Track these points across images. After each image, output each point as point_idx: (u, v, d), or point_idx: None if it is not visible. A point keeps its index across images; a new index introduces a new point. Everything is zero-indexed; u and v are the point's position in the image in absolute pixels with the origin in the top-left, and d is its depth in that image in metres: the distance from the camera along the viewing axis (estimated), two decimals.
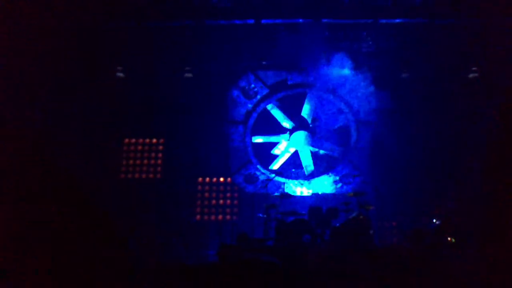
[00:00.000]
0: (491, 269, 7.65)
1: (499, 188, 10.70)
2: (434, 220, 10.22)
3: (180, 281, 8.17)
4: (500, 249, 8.19)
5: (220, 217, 12.73)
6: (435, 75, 12.32)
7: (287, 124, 13.13)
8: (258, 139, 13.27)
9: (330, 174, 13.05)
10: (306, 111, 13.06)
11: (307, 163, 13.12)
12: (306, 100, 13.04)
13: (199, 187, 12.87)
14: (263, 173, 12.97)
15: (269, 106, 13.18)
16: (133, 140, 13.07)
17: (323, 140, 13.09)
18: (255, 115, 13.19)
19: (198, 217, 12.67)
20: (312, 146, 13.06)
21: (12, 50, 10.48)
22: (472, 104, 11.96)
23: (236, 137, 13.18)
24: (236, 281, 8.35)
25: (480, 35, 11.24)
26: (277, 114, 13.18)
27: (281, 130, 13.19)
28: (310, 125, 13.07)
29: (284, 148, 13.14)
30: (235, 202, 12.88)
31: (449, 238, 9.68)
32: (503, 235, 8.85)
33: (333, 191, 12.87)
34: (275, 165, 13.21)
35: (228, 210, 12.80)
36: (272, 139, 13.28)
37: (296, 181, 13.01)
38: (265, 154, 13.29)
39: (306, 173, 13.08)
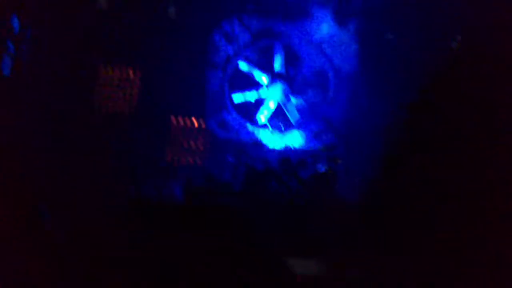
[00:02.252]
0: None
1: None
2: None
3: (145, 219, 8.33)
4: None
5: (190, 159, 12.76)
6: (418, 40, 12.20)
7: (262, 78, 12.90)
8: (238, 97, 13.05)
9: (303, 130, 13.02)
10: (287, 61, 12.88)
11: (292, 112, 12.97)
12: (288, 50, 12.84)
13: (172, 127, 12.78)
14: (237, 121, 12.90)
15: (241, 64, 12.93)
16: (110, 70, 12.66)
17: (299, 93, 12.98)
18: (235, 61, 12.99)
19: (168, 158, 12.67)
20: (293, 96, 12.99)
21: None
22: (452, 73, 12.03)
23: (214, 81, 13.01)
24: (201, 222, 8.59)
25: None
26: (249, 69, 12.92)
27: (258, 84, 13.00)
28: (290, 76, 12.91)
29: (264, 98, 13.01)
30: (207, 146, 12.86)
31: None
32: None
33: (305, 147, 12.87)
34: (261, 117, 13.01)
35: (198, 154, 12.79)
36: (251, 94, 13.05)
37: (269, 132, 13.01)
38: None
39: (293, 122, 12.99)
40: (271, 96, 12.85)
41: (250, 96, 13.02)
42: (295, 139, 12.97)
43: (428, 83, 11.94)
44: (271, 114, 12.97)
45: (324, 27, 12.23)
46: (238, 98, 13.02)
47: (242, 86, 13.06)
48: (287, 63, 12.90)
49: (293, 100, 12.94)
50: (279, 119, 13.08)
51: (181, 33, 12.48)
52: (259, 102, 13.03)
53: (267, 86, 12.84)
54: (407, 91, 12.09)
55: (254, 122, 12.93)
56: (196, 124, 12.89)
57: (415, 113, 12.09)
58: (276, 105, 12.96)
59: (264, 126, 13.07)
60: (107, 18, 12.13)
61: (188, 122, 12.89)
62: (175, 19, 12.45)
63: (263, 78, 12.88)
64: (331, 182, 10.08)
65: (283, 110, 12.98)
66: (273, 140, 12.89)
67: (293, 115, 12.99)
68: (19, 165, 9.01)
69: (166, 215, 8.64)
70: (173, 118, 12.82)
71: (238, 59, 12.95)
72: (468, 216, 8.34)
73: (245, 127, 12.68)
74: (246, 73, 12.95)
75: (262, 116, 13.01)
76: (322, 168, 10.48)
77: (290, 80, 12.90)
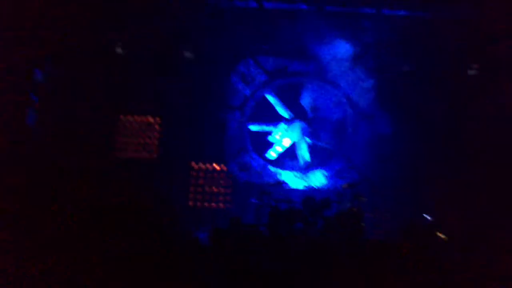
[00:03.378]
0: (481, 270, 7.74)
1: (496, 187, 10.81)
2: (427, 216, 10.29)
3: (172, 262, 8.23)
4: (493, 250, 8.28)
5: (213, 204, 12.68)
6: (435, 70, 12.23)
7: (284, 113, 13.05)
8: (255, 127, 13.18)
9: (325, 168, 12.96)
10: (304, 100, 12.99)
11: (304, 155, 13.08)
12: (305, 89, 12.96)
13: (194, 173, 12.77)
14: (258, 162, 12.86)
15: (267, 94, 13.08)
16: (129, 117, 12.91)
17: (320, 132, 12.99)
18: (252, 102, 13.12)
19: (191, 203, 12.61)
20: (309, 138, 13.03)
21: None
22: (471, 101, 11.95)
23: (233, 124, 13.05)
24: (228, 265, 8.45)
25: (482, 31, 11.21)
26: (275, 102, 13.08)
27: (278, 119, 13.09)
28: (309, 116, 13.00)
29: (280, 137, 13.05)
30: (229, 190, 12.78)
31: (440, 235, 9.76)
32: (496, 236, 8.96)
33: (328, 186, 12.74)
34: (272, 153, 13.12)
35: (221, 198, 12.73)
36: (269, 128, 13.15)
37: (291, 173, 12.94)
38: (261, 141, 13.15)
39: (301, 164, 13.04)
40: (289, 134, 12.93)
41: (267, 128, 13.11)
42: (317, 178, 12.88)
43: (448, 112, 11.90)
44: (290, 152, 13.01)
45: (340, 63, 12.26)
46: (254, 128, 13.14)
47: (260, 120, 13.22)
48: (303, 102, 12.99)
49: (308, 140, 12.99)
50: (297, 158, 13.09)
51: (198, 77, 12.61)
52: (277, 143, 13.09)
53: (286, 123, 12.90)
54: (427, 122, 12.05)
55: (275, 163, 12.90)
56: (217, 168, 12.86)
57: (438, 145, 11.99)
58: (291, 143, 13.04)
59: (286, 166, 13.02)
60: (125, 65, 12.37)
61: (209, 166, 12.86)
62: (191, 63, 12.63)
63: (285, 114, 13.01)
64: (357, 220, 9.90)
65: (303, 149, 13.00)
66: (295, 180, 12.81)
67: (304, 156, 13.03)
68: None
69: (192, 259, 8.53)
70: (193, 163, 12.81)
71: (265, 92, 13.06)
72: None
73: (267, 168, 12.61)
74: (268, 107, 13.11)
75: (273, 153, 13.06)
76: (346, 206, 10.31)
77: (308, 119, 12.99)
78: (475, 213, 10.54)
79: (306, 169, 12.97)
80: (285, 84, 13.11)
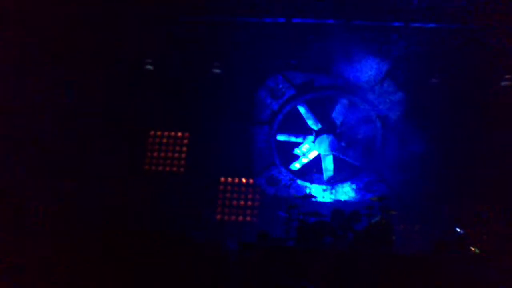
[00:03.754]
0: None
1: None
2: (458, 229, 10.10)
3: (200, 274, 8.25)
4: None
5: (240, 218, 12.70)
6: (465, 82, 12.11)
7: (314, 125, 13.07)
8: (282, 137, 13.23)
9: (354, 181, 12.90)
10: (334, 114, 13.02)
11: (328, 168, 13.07)
12: (334, 103, 13.00)
13: (221, 187, 12.84)
14: (286, 176, 12.83)
15: (299, 106, 13.12)
16: (159, 133, 13.10)
17: (347, 147, 13.00)
18: (280, 116, 13.18)
19: (218, 216, 12.64)
20: (336, 152, 13.02)
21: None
22: (503, 113, 11.73)
23: (261, 138, 13.12)
24: (255, 278, 8.42)
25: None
26: (306, 114, 13.11)
27: (306, 131, 13.11)
28: (337, 130, 13.00)
29: (306, 150, 13.07)
30: (256, 203, 12.80)
31: (472, 249, 9.57)
32: None
33: (356, 199, 12.69)
34: (296, 165, 13.17)
35: (249, 211, 12.75)
36: (296, 139, 13.21)
37: (319, 186, 12.91)
38: (289, 154, 13.20)
39: (325, 178, 13.02)
40: (316, 147, 12.96)
41: (294, 139, 13.18)
42: (345, 192, 12.79)
43: (478, 125, 11.70)
44: (316, 164, 13.01)
45: (368, 77, 12.21)
46: (282, 138, 13.21)
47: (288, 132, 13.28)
48: (333, 116, 12.99)
49: (335, 153, 12.99)
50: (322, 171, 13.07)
51: (227, 92, 12.78)
52: (304, 155, 13.13)
53: (315, 136, 12.92)
54: (456, 135, 11.87)
55: (302, 176, 12.87)
56: (244, 181, 12.87)
57: (468, 161, 11.79)
58: (316, 155, 13.05)
59: (313, 179, 12.97)
60: (155, 82, 12.57)
61: (237, 180, 12.88)
62: (220, 79, 12.76)
63: (314, 126, 13.04)
64: (387, 232, 9.74)
65: (328, 162, 13.00)
66: (323, 193, 12.73)
67: (329, 169, 13.02)
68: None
69: (221, 268, 8.55)
70: (222, 177, 12.86)
71: (297, 103, 13.10)
72: None
73: (295, 182, 12.56)
74: (296, 121, 13.15)
75: (298, 164, 13.12)
76: (376, 219, 10.15)
77: (337, 133, 12.97)
78: (504, 228, 10.30)
79: (334, 182, 12.91)
80: (314, 99, 13.13)
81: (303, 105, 13.11)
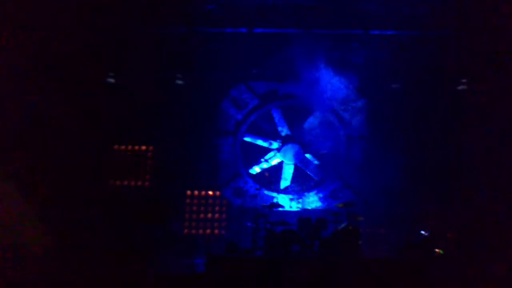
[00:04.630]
0: (480, 284, 7.66)
1: (491, 200, 10.77)
2: (423, 232, 10.23)
3: None
4: (491, 263, 8.21)
5: (208, 231, 12.53)
6: (425, 86, 12.33)
7: (283, 132, 13.14)
8: (249, 139, 13.27)
9: (319, 190, 13.00)
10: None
11: (286, 177, 13.16)
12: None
13: (188, 200, 12.66)
14: (252, 186, 12.74)
15: (274, 110, 13.18)
16: (123, 147, 12.81)
17: (309, 159, 13.17)
18: (245, 126, 13.17)
19: (186, 231, 12.46)
20: (299, 163, 13.11)
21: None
22: (463, 116, 11.98)
23: (226, 149, 13.06)
24: None
25: (470, 47, 11.32)
26: (279, 119, 13.18)
27: (274, 136, 13.20)
28: (305, 141, 13.07)
29: (271, 155, 13.16)
30: (224, 216, 12.67)
31: (437, 250, 9.70)
32: (492, 249, 8.90)
33: (323, 207, 12.73)
34: (256, 169, 13.21)
35: (216, 224, 12.59)
36: (263, 142, 13.25)
37: (285, 196, 12.93)
38: (255, 165, 13.24)
39: (281, 186, 13.10)
40: (281, 154, 13.08)
41: (260, 143, 13.24)
42: (312, 200, 12.83)
43: (440, 128, 11.92)
44: (266, 168, 13.15)
45: (330, 84, 12.31)
46: (248, 139, 13.28)
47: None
48: (296, 123, 13.07)
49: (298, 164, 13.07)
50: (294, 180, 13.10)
51: (191, 103, 12.65)
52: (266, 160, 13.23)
53: (278, 150, 13.03)
54: (419, 139, 12.06)
55: (270, 187, 12.85)
56: (211, 194, 12.75)
57: (431, 162, 11.99)
58: (284, 164, 13.14)
59: (280, 189, 12.98)
60: (117, 95, 12.37)
61: (203, 193, 12.74)
62: (182, 90, 12.66)
63: (270, 144, 13.16)
64: (354, 238, 9.78)
65: (288, 171, 13.11)
66: (290, 202, 12.75)
67: (287, 178, 13.14)
68: None
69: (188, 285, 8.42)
70: (188, 191, 12.70)
71: (243, 136, 13.20)
72: None
73: (261, 192, 12.50)
74: (260, 129, 13.28)
75: (257, 168, 13.20)
76: (342, 225, 10.19)
77: (301, 141, 13.05)
78: (470, 229, 10.47)
79: (299, 191, 12.97)
80: (279, 108, 13.20)
81: (278, 110, 13.17)
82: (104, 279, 8.30)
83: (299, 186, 13.10)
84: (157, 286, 8.48)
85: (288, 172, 13.16)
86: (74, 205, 11.13)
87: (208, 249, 11.41)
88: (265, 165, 13.20)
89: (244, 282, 8.48)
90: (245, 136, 13.23)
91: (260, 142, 13.25)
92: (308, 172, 13.19)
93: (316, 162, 13.16)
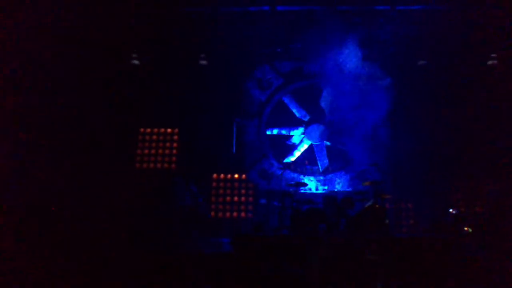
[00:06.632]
0: (508, 261, 7.50)
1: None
2: (451, 210, 10.07)
3: (196, 269, 8.18)
4: None
5: (235, 214, 12.50)
6: (453, 63, 12.04)
7: (302, 116, 13.01)
8: (272, 132, 13.17)
9: (347, 171, 12.85)
10: (323, 101, 12.87)
11: (322, 158, 12.99)
12: (324, 91, 12.85)
13: (214, 184, 12.63)
14: (277, 168, 12.63)
15: (284, 97, 13.04)
16: (148, 130, 12.86)
17: (339, 134, 12.85)
18: (269, 107, 13.11)
19: (212, 213, 12.46)
20: (328, 140, 12.94)
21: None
22: (491, 92, 11.68)
23: (251, 130, 13.03)
24: (250, 270, 8.35)
25: (497, 22, 10.98)
26: (293, 106, 13.05)
27: (296, 122, 13.07)
28: (327, 119, 12.90)
29: (298, 141, 13.02)
30: (250, 199, 12.57)
31: (466, 228, 9.54)
32: None
33: (349, 188, 12.59)
34: (292, 159, 13.06)
35: (243, 206, 12.53)
36: (287, 132, 13.16)
37: (311, 177, 12.84)
38: (280, 147, 13.14)
39: (320, 168, 12.95)
40: (307, 137, 12.93)
41: (285, 133, 13.12)
42: (339, 181, 12.73)
43: (468, 105, 11.66)
44: (308, 156, 12.97)
45: (356, 62, 12.09)
46: (272, 132, 13.15)
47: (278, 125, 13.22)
48: (322, 104, 12.91)
49: (327, 143, 12.94)
50: (317, 162, 13.00)
51: (215, 85, 12.60)
52: (295, 146, 13.08)
53: (305, 127, 12.85)
54: (447, 116, 11.81)
55: (294, 168, 12.79)
56: (237, 177, 12.76)
57: (457, 138, 11.76)
58: (308, 146, 13.02)
59: (306, 171, 12.92)
60: (141, 77, 12.44)
61: (229, 176, 12.74)
62: (206, 72, 12.61)
63: (302, 117, 12.98)
64: (380, 217, 9.67)
65: (321, 152, 12.92)
66: (316, 184, 12.68)
67: (323, 159, 12.96)
68: None
69: (215, 263, 8.47)
70: (214, 174, 12.69)
71: (282, 95, 13.02)
72: None
73: (287, 174, 12.45)
74: (286, 111, 13.10)
75: (293, 158, 13.08)
76: (369, 203, 10.07)
77: (326, 122, 12.92)
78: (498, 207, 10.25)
79: (327, 173, 12.82)
80: (302, 87, 13.06)
81: (287, 96, 13.06)
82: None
83: (327, 168, 12.98)
84: (185, 264, 8.53)
85: (321, 153, 13.03)
86: (102, 189, 11.29)
87: (235, 231, 11.43)
88: (298, 153, 13.09)
89: (270, 261, 8.46)
90: (268, 131, 13.17)
91: (284, 133, 13.18)
92: (342, 148, 12.93)
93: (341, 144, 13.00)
